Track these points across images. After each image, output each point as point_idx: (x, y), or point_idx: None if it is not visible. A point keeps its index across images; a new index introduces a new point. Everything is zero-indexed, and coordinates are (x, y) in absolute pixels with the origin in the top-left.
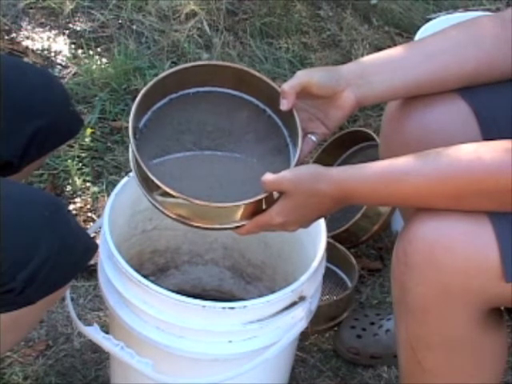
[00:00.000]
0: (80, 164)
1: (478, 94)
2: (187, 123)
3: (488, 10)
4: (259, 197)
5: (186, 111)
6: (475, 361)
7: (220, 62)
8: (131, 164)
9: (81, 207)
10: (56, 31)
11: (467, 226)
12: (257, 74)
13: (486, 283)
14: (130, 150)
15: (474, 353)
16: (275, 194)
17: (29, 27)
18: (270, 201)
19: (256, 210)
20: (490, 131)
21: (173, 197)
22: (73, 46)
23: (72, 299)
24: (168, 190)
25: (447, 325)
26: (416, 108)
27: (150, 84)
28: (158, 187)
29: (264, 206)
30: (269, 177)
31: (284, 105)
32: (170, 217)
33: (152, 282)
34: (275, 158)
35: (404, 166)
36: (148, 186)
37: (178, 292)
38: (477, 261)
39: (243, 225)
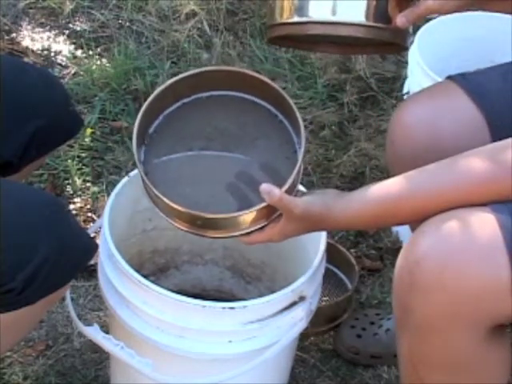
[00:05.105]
0: (80, 164)
1: (491, 101)
2: (198, 128)
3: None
4: (258, 207)
5: (197, 115)
6: (478, 379)
7: (233, 68)
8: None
9: (81, 207)
10: (56, 31)
11: (480, 246)
12: (268, 80)
13: (497, 304)
14: (135, 159)
15: (478, 371)
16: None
17: (29, 27)
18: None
19: (256, 218)
20: (501, 138)
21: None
22: (73, 46)
23: (72, 299)
24: (175, 205)
25: (452, 346)
26: (426, 114)
27: (159, 90)
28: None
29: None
30: (283, 195)
31: None
32: (180, 228)
33: (152, 282)
34: (282, 165)
35: (398, 193)
36: (158, 206)
37: (178, 292)
38: (490, 283)
39: (242, 234)
